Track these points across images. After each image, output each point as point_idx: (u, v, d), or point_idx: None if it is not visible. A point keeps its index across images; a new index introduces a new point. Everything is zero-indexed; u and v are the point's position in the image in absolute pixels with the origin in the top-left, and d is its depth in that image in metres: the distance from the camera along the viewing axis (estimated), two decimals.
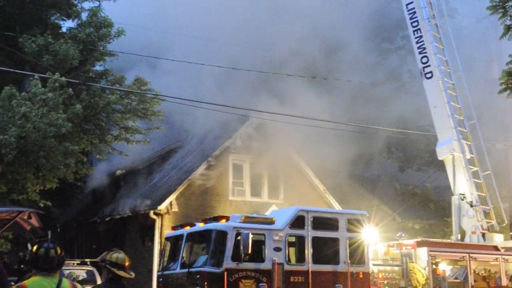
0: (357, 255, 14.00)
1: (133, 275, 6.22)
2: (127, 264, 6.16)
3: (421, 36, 19.50)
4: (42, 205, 17.63)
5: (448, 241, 17.99)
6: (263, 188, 22.86)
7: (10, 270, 6.52)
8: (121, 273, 6.05)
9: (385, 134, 25.90)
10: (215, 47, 23.65)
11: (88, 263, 17.64)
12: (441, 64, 19.56)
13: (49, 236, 5.33)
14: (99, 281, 5.82)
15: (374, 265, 14.59)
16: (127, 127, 19.19)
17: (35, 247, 5.24)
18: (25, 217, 6.68)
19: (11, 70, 17.23)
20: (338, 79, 22.66)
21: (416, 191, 28.56)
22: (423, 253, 15.38)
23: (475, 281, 15.87)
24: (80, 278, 15.01)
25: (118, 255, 6.15)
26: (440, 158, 19.45)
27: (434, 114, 19.57)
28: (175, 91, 20.33)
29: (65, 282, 5.27)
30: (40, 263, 5.20)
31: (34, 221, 6.98)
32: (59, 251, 5.28)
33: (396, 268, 15.03)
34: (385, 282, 14.73)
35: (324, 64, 22.02)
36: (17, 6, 18.88)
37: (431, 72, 19.39)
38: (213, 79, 22.24)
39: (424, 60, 19.53)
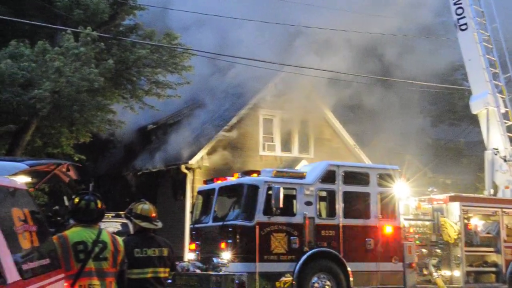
0: (388, 209, 14.01)
1: (159, 225, 6.24)
2: (153, 215, 6.19)
3: None
4: (76, 159, 17.99)
5: (481, 196, 17.85)
6: (293, 143, 22.89)
7: (49, 222, 6.71)
8: (145, 224, 6.10)
9: (417, 88, 25.50)
10: (239, 7, 23.35)
11: (122, 215, 18.00)
12: (476, 16, 19.02)
13: (91, 189, 5.44)
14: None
15: (405, 219, 14.57)
16: (157, 82, 19.25)
17: (76, 199, 5.36)
18: (64, 170, 6.81)
19: (43, 24, 17.31)
20: (370, 33, 22.21)
21: (449, 145, 28.26)
22: (455, 208, 15.29)
23: (507, 235, 15.77)
24: (116, 230, 15.35)
25: (143, 207, 6.18)
26: (474, 112, 19.13)
27: (469, 67, 19.15)
28: (205, 45, 20.26)
29: (105, 233, 5.40)
30: (80, 215, 5.33)
31: (72, 173, 7.13)
32: (99, 204, 5.39)
33: (427, 223, 15.00)
34: (416, 236, 14.73)
35: (357, 18, 21.58)
36: None
37: (466, 23, 18.89)
38: (244, 33, 22.02)
39: (459, 11, 19.01)
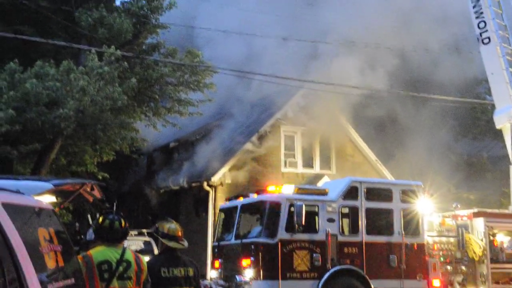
0: (411, 226, 13.87)
1: (185, 244, 6.23)
2: (179, 234, 6.18)
3: (478, 0, 18.85)
4: (100, 177, 18.18)
5: (506, 211, 17.57)
6: (315, 159, 22.83)
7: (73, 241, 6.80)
8: (173, 244, 6.09)
9: (439, 103, 25.33)
10: (265, 19, 23.50)
11: (145, 233, 18.12)
12: (499, 29, 18.89)
13: (114, 208, 5.50)
14: (156, 251, 5.93)
15: (429, 236, 14.42)
16: (179, 100, 19.41)
17: (100, 219, 5.44)
18: (88, 189, 6.90)
19: (68, 44, 17.61)
20: (389, 48, 22.19)
21: (472, 160, 27.93)
22: (479, 224, 15.09)
23: None
24: (138, 248, 15.43)
25: (170, 226, 6.18)
26: (498, 127, 18.91)
27: (492, 81, 18.98)
28: (226, 63, 20.39)
29: (128, 252, 5.45)
30: (104, 234, 5.39)
31: (96, 193, 7.21)
32: (123, 223, 5.45)
33: (452, 239, 14.81)
34: (441, 253, 14.54)
35: (375, 31, 21.59)
36: None
37: (488, 37, 18.75)
38: (263, 50, 22.15)
39: (482, 25, 18.89)
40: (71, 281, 4.58)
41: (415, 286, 13.60)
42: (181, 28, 22.28)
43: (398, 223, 13.72)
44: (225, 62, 20.57)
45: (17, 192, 4.42)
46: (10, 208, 3.84)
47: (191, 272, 6.15)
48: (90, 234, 7.48)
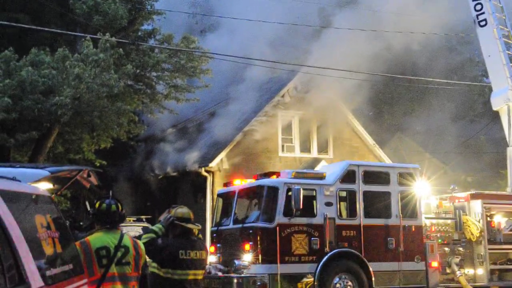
0: (409, 208, 13.93)
1: (199, 226, 6.50)
2: (191, 216, 6.42)
3: None
4: (98, 164, 18.19)
5: (503, 193, 17.66)
6: (312, 144, 22.85)
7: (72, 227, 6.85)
8: (190, 225, 6.31)
9: (436, 86, 25.32)
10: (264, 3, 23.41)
11: (144, 219, 18.18)
12: (495, 11, 18.83)
13: (110, 194, 5.55)
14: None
15: (426, 218, 14.49)
16: (176, 86, 19.38)
17: (97, 204, 5.49)
18: (85, 175, 6.92)
19: (63, 31, 17.54)
20: (388, 31, 22.11)
21: (469, 143, 28.00)
22: (477, 206, 15.14)
23: None
24: (137, 234, 15.48)
25: (182, 210, 6.41)
26: (494, 108, 18.93)
27: (488, 64, 18.96)
28: (223, 49, 20.33)
29: (126, 238, 5.49)
30: (102, 218, 5.44)
31: (93, 179, 7.23)
32: (120, 207, 5.50)
33: (449, 221, 14.89)
34: (438, 235, 14.63)
35: (375, 16, 21.51)
36: None
37: (485, 19, 18.69)
38: (260, 36, 22.07)
39: (478, 7, 18.82)
40: (69, 267, 4.61)
41: (413, 268, 13.70)
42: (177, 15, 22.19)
43: (395, 206, 13.78)
44: (227, 48, 20.47)
45: (14, 179, 4.43)
46: (7, 195, 3.86)
47: (203, 255, 6.39)
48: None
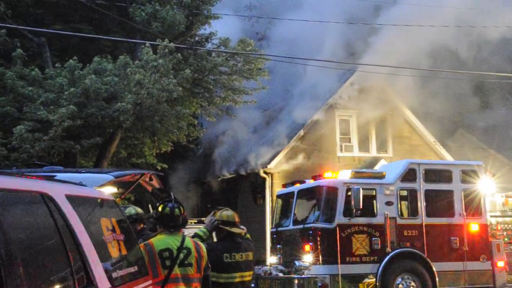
0: (473, 207, 13.59)
1: (245, 229, 6.44)
2: (237, 220, 6.37)
3: None
4: (159, 168, 18.59)
5: None
6: (371, 143, 22.58)
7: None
8: (234, 229, 6.28)
9: (500, 80, 24.54)
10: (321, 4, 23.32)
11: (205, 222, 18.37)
12: None
13: (173, 197, 5.66)
14: (215, 239, 6.06)
15: (491, 216, 14.10)
16: (233, 88, 19.57)
17: (160, 207, 5.59)
18: (147, 179, 7.09)
19: (124, 39, 18.04)
20: (447, 26, 21.61)
21: None
22: None
23: None
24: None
25: (227, 213, 6.36)
26: None
27: None
28: (279, 50, 20.38)
29: (188, 240, 5.58)
30: (166, 221, 5.55)
31: (155, 182, 7.39)
32: (182, 210, 5.60)
33: None
34: (505, 233, 14.23)
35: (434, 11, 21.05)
36: None
37: None
38: (317, 35, 22.01)
39: None
40: (134, 269, 4.75)
41: (479, 268, 13.35)
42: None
43: (459, 204, 13.47)
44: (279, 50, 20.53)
45: (80, 184, 4.61)
46: (73, 200, 4.02)
47: (250, 256, 6.33)
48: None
